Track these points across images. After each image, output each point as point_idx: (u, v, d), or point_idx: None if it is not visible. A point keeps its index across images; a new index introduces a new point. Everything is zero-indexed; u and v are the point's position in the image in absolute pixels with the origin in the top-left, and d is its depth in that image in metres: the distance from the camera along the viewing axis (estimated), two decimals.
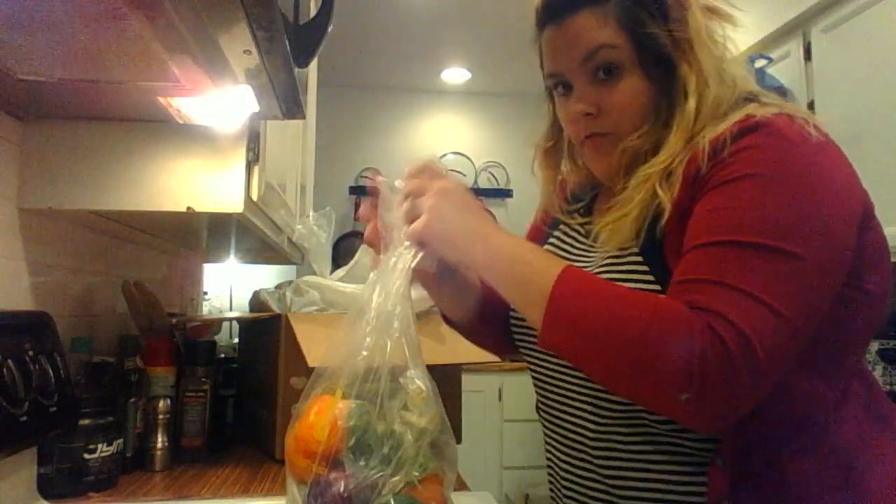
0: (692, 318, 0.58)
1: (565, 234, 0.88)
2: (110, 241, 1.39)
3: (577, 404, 0.77)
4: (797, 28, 2.14)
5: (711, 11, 0.75)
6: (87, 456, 1.04)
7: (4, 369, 0.86)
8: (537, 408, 0.87)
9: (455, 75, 4.15)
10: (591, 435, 0.75)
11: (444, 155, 4.36)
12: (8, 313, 0.94)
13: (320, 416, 0.63)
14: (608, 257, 0.74)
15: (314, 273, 1.55)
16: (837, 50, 2.01)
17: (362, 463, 0.60)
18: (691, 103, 0.71)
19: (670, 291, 0.63)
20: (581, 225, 0.86)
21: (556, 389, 0.80)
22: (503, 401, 3.37)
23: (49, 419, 0.94)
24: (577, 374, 0.76)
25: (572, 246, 0.85)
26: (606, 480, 0.74)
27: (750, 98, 0.73)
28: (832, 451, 0.66)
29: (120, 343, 1.27)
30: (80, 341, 1.12)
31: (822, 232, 0.62)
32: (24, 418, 0.88)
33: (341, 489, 0.59)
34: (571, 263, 0.67)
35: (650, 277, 0.69)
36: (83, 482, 1.04)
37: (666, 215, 0.68)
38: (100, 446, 1.05)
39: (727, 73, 0.74)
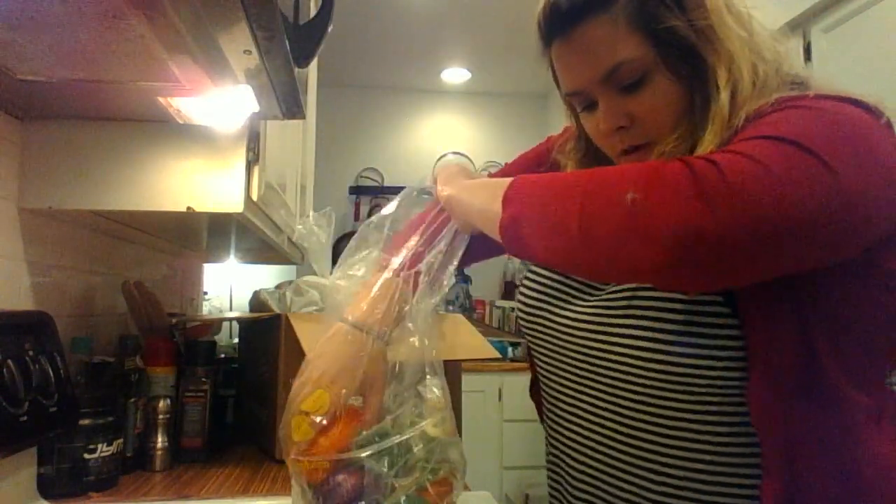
0: (663, 160, 0.55)
1: None
2: (110, 241, 1.39)
3: (605, 426, 0.72)
4: (797, 28, 2.14)
5: None
6: (87, 456, 1.04)
7: (4, 369, 0.86)
8: (544, 416, 0.83)
9: (455, 75, 4.15)
10: (625, 458, 0.70)
11: (444, 155, 4.36)
12: (8, 313, 0.94)
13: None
14: None
15: (314, 273, 1.55)
16: (837, 50, 2.01)
17: (373, 465, 0.60)
18: (723, 96, 0.64)
19: None
20: None
21: (578, 404, 0.75)
22: (503, 401, 3.37)
23: (49, 419, 0.93)
24: (604, 393, 0.71)
25: None
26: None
27: (798, 82, 0.66)
28: (876, 466, 0.62)
29: (120, 343, 1.27)
30: (80, 341, 1.12)
31: (867, 171, 0.54)
32: (24, 418, 0.88)
33: (350, 490, 0.59)
34: None
35: (710, 299, 0.63)
36: (83, 482, 1.04)
37: None
38: (100, 446, 1.05)
39: (765, 49, 0.67)
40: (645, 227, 0.51)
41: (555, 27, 0.69)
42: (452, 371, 1.51)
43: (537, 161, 0.92)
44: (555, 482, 0.82)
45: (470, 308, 3.87)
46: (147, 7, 0.62)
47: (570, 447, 0.77)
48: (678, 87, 0.67)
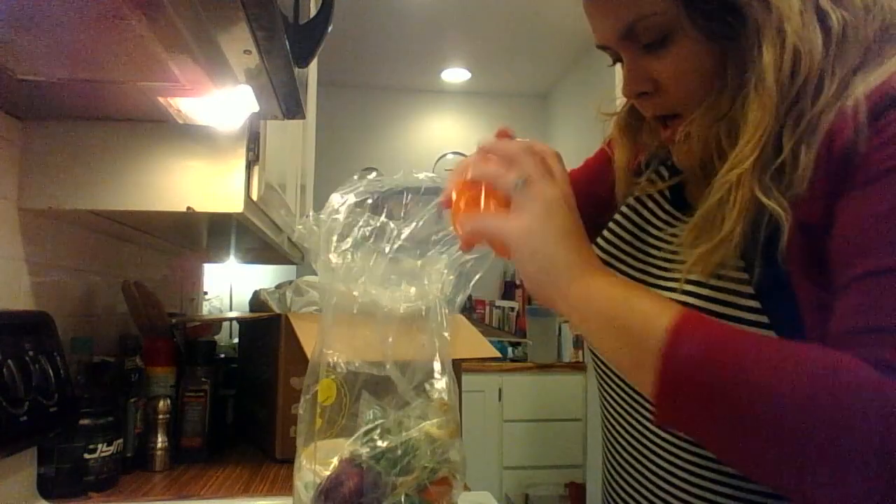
0: (885, 384, 0.41)
1: (641, 203, 0.72)
2: (110, 241, 1.39)
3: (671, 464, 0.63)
4: None
5: None
6: (87, 456, 1.04)
7: (4, 369, 0.86)
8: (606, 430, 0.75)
9: (455, 75, 4.15)
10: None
11: (444, 155, 4.36)
12: (8, 313, 0.94)
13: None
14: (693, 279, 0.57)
15: (314, 273, 1.54)
16: None
17: (373, 465, 0.60)
18: (767, 57, 0.52)
19: (835, 341, 0.47)
20: (668, 189, 0.70)
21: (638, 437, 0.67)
22: (503, 401, 3.37)
23: (49, 419, 0.93)
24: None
25: (653, 214, 0.70)
26: None
27: None
28: None
29: (120, 343, 1.27)
30: (80, 341, 1.12)
31: None
32: (24, 418, 0.87)
33: (350, 489, 0.59)
34: (686, 308, 0.49)
35: (755, 305, 0.53)
36: (83, 482, 1.04)
37: (785, 235, 0.50)
38: (100, 446, 1.05)
39: None
40: None
41: None
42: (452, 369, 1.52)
43: (598, 175, 0.81)
44: (610, 477, 0.75)
45: (470, 308, 3.87)
46: (147, 7, 0.62)
47: (626, 449, 0.71)
48: (710, 48, 0.56)
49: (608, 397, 0.74)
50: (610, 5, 0.59)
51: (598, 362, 0.75)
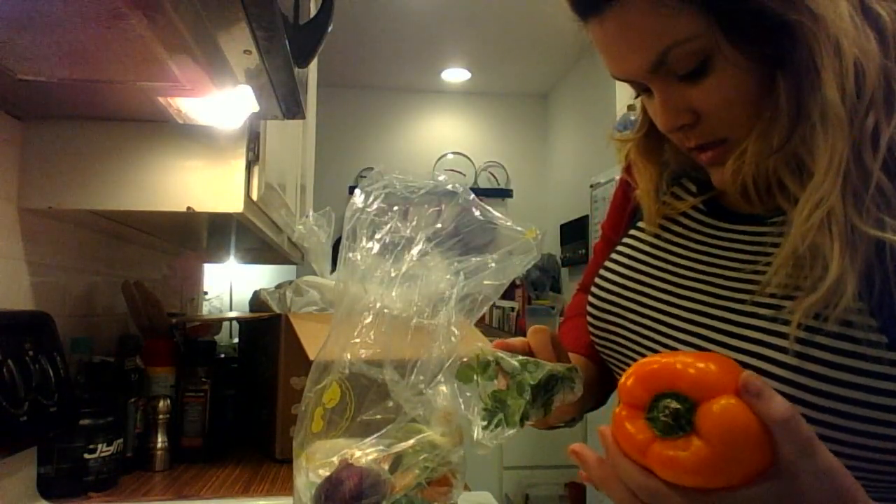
0: None
1: (671, 220, 0.66)
2: (110, 241, 1.39)
3: None
4: None
5: None
6: (87, 456, 1.04)
7: (4, 369, 0.86)
8: None
9: (455, 75, 4.15)
10: None
11: (444, 155, 4.36)
12: (8, 313, 0.94)
13: None
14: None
15: (314, 273, 1.54)
16: None
17: (373, 465, 0.60)
18: (827, 78, 0.47)
19: None
20: (703, 203, 0.65)
21: None
22: None
23: (49, 419, 0.93)
24: None
25: (696, 231, 0.63)
26: None
27: None
28: None
29: (120, 343, 1.27)
30: (80, 341, 1.12)
31: None
32: (24, 418, 0.87)
33: (350, 489, 0.59)
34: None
35: (894, 358, 0.46)
36: (83, 482, 1.04)
37: None
38: (100, 446, 1.05)
39: None
40: None
41: (586, 5, 0.55)
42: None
43: (623, 207, 0.77)
44: None
45: None
46: (147, 7, 0.62)
47: None
48: (755, 71, 0.51)
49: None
50: (637, 34, 0.52)
51: (609, 358, 0.72)
